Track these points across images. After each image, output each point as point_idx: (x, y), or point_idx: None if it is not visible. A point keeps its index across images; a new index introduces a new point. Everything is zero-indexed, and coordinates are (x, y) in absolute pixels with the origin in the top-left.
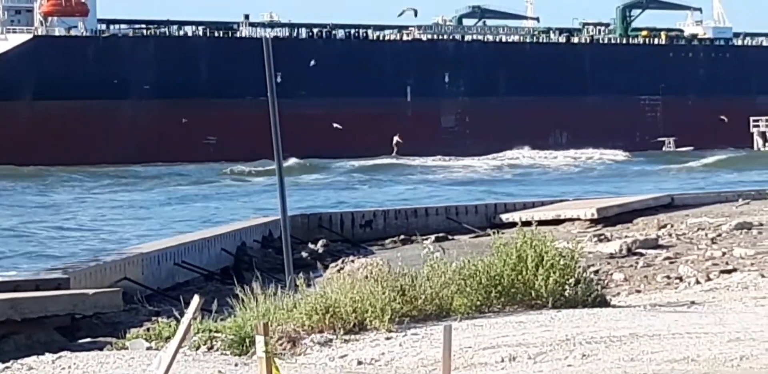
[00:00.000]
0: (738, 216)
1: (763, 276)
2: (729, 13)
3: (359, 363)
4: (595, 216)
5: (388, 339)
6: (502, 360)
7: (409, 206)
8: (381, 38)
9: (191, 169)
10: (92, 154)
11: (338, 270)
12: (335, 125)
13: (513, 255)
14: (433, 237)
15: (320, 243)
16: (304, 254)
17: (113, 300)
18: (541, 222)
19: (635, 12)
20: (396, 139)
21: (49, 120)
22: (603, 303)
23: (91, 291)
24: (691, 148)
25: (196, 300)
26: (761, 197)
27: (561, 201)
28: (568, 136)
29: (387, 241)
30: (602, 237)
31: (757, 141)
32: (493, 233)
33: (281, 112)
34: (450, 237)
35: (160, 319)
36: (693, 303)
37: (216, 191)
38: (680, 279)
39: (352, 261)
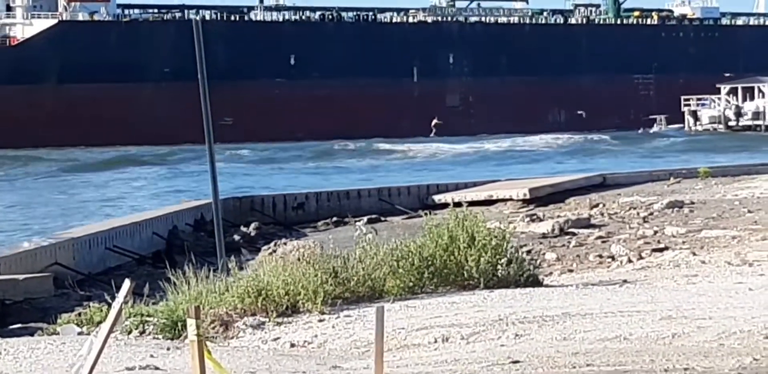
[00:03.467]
0: (669, 194)
1: (694, 254)
2: None
3: (292, 345)
4: (527, 197)
5: (320, 321)
6: (435, 341)
7: (341, 188)
8: (390, 21)
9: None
10: (113, 136)
11: (270, 253)
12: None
13: (445, 236)
14: (365, 219)
15: (252, 226)
16: (236, 237)
17: (44, 286)
18: (473, 203)
19: None
20: (435, 121)
21: (74, 103)
22: (535, 282)
23: (21, 277)
24: (681, 125)
25: (127, 284)
26: (692, 176)
27: (493, 181)
28: (567, 114)
29: (319, 224)
30: (534, 217)
31: (689, 120)
32: (426, 214)
33: (294, 92)
34: (383, 218)
35: (91, 304)
36: (625, 281)
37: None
38: (612, 258)
39: (285, 243)
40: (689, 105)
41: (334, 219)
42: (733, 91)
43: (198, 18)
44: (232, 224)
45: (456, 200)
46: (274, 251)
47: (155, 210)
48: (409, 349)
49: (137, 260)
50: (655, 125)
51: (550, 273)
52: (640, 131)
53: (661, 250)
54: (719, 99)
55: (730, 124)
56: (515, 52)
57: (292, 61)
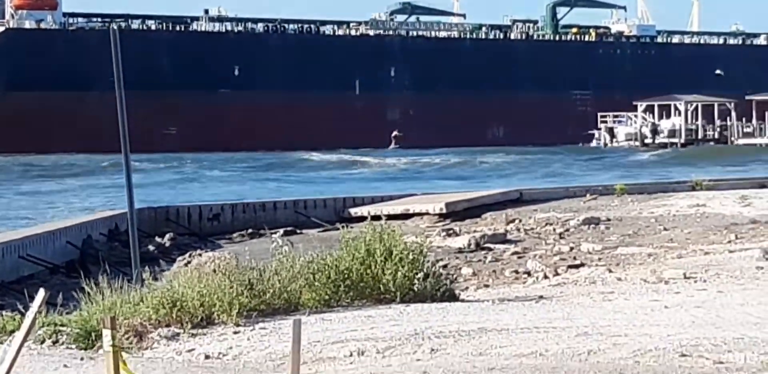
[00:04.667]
0: (586, 211)
1: (610, 271)
2: (651, 11)
3: (207, 357)
4: (444, 211)
5: (236, 333)
6: (351, 355)
7: (257, 200)
8: (333, 33)
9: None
10: (58, 144)
11: (185, 264)
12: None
13: (362, 249)
14: (281, 231)
15: (167, 236)
16: (151, 248)
17: None
18: (390, 217)
19: (563, 10)
20: (395, 132)
21: (20, 111)
22: (452, 297)
23: None
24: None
25: (41, 293)
26: (608, 192)
27: (410, 195)
28: (505, 130)
29: (235, 235)
30: (451, 231)
31: (605, 136)
32: (342, 227)
33: (238, 103)
34: (298, 231)
35: (4, 313)
36: (541, 297)
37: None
38: (528, 273)
39: (200, 254)
40: (606, 122)
41: (250, 230)
42: (649, 109)
43: (115, 27)
44: (146, 234)
45: (372, 213)
46: (189, 262)
47: (69, 219)
48: (325, 362)
49: (50, 269)
50: (594, 140)
51: (466, 288)
52: (581, 145)
53: (577, 267)
54: (635, 116)
55: (646, 141)
56: (456, 66)
57: (236, 72)
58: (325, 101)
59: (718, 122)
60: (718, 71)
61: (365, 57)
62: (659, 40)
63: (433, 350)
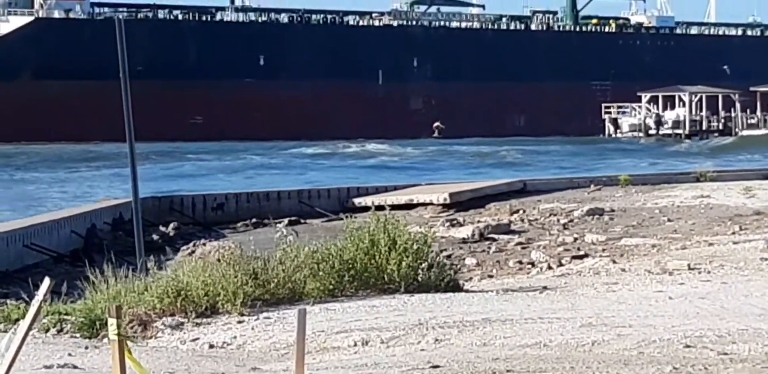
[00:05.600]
0: (590, 202)
1: (614, 262)
2: (669, 2)
3: (211, 346)
4: (448, 201)
5: (240, 322)
6: (355, 344)
7: (261, 189)
8: (357, 24)
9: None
10: (87, 132)
11: (190, 253)
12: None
13: (366, 239)
14: (285, 220)
15: (171, 226)
16: (155, 237)
17: None
18: (393, 207)
19: (583, 1)
20: (437, 123)
21: (49, 99)
22: (456, 287)
23: None
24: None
25: (46, 282)
26: (612, 183)
27: (414, 185)
28: (525, 119)
29: (239, 225)
30: (455, 222)
31: (609, 127)
32: (346, 217)
33: (264, 92)
34: (303, 221)
35: (9, 302)
36: (545, 288)
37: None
38: (532, 264)
39: (204, 244)
40: (610, 112)
41: (254, 220)
42: (653, 100)
43: (121, 17)
44: (151, 224)
45: (376, 203)
46: (193, 251)
47: (74, 208)
48: (329, 352)
49: (55, 258)
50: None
51: (470, 279)
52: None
53: (581, 257)
54: (639, 107)
55: (650, 132)
56: (477, 57)
57: (261, 62)
58: (348, 91)
59: (722, 113)
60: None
61: (388, 47)
62: (678, 31)
63: (437, 340)
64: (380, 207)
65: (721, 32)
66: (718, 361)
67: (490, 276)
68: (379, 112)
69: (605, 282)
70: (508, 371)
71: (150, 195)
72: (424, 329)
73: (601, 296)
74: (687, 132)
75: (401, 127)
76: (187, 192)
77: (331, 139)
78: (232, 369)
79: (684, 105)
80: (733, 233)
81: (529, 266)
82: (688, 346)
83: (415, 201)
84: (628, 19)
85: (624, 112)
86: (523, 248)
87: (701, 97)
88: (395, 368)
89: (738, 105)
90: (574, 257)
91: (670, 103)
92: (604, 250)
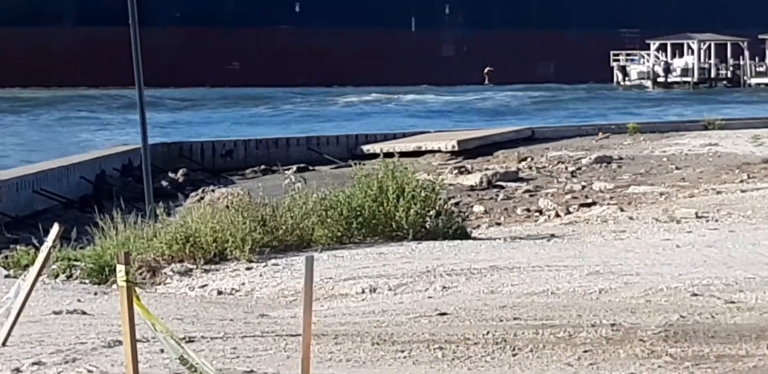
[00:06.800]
0: (598, 149)
1: (622, 209)
2: None
3: (219, 293)
4: (456, 149)
5: (248, 269)
6: (363, 291)
7: (269, 136)
8: None
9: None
10: (124, 77)
11: (199, 200)
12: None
13: (374, 186)
14: (294, 167)
15: (180, 172)
16: (164, 183)
17: None
18: (402, 154)
19: None
20: (488, 68)
21: (90, 45)
22: (463, 235)
23: None
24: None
25: (55, 228)
26: (621, 131)
27: (422, 132)
28: (555, 66)
29: (248, 171)
30: (463, 169)
31: (617, 75)
32: (355, 164)
33: (298, 39)
34: (311, 168)
35: (18, 247)
36: (553, 236)
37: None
38: (540, 212)
39: (213, 190)
40: (618, 60)
41: (263, 167)
42: (662, 47)
43: None
44: (160, 170)
45: (385, 150)
46: (202, 198)
47: (83, 154)
48: (337, 299)
49: (64, 204)
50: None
51: (478, 226)
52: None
53: (588, 205)
54: (648, 55)
55: (659, 80)
56: (508, 4)
57: (297, 9)
58: (381, 38)
59: (731, 61)
60: None
61: None
62: None
63: (444, 287)
64: (389, 155)
65: None
66: (725, 310)
67: (498, 224)
68: (411, 59)
69: (613, 230)
70: (515, 318)
71: (160, 141)
72: (431, 276)
73: (609, 244)
74: (696, 80)
75: (434, 74)
76: (196, 138)
77: (363, 85)
78: (240, 316)
79: (693, 52)
80: (741, 181)
81: (537, 214)
82: (695, 294)
83: (423, 149)
84: None
85: (633, 60)
86: (531, 196)
87: (710, 44)
88: (403, 315)
89: (747, 53)
90: (581, 205)
91: (679, 50)
92: (611, 198)
